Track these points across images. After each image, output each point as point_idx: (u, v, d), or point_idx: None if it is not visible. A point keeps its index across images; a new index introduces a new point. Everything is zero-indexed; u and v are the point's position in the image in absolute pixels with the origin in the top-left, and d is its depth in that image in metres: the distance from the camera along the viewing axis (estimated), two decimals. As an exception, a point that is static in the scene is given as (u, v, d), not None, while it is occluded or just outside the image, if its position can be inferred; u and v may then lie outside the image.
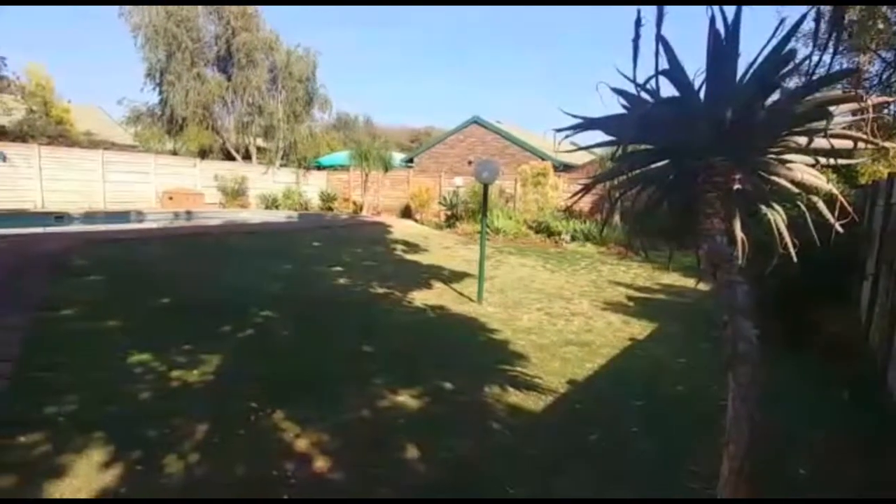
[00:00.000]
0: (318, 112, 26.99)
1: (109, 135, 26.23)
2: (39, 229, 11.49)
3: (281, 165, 24.30)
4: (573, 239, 14.65)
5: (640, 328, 6.11)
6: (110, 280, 6.59)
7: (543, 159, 18.90)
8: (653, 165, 1.97)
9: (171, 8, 20.93)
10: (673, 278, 9.34)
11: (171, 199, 18.81)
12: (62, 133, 21.97)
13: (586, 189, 2.09)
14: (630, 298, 7.80)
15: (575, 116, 1.88)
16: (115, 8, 21.00)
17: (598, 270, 10.38)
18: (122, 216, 16.19)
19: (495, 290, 7.87)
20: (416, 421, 3.45)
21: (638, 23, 1.69)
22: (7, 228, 10.18)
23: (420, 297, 7.12)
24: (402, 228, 15.32)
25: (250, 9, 22.96)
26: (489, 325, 5.92)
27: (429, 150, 24.06)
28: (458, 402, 3.78)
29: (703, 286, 7.14)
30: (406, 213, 19.74)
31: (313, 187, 23.70)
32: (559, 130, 1.91)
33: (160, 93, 22.85)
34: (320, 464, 2.87)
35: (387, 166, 20.29)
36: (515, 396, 3.89)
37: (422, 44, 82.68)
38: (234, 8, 22.33)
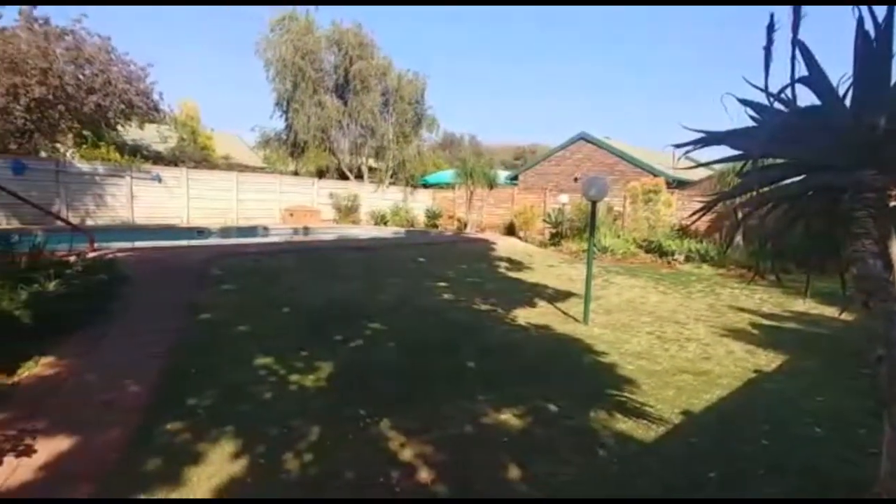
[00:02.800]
0: (425, 132, 27.98)
1: (243, 158, 29.32)
2: (185, 242, 13.02)
3: (390, 184, 25.47)
4: (688, 259, 13.71)
5: (768, 359, 5.54)
6: (241, 289, 7.28)
7: (655, 175, 17.98)
8: (786, 181, 1.80)
9: (297, 42, 22.96)
10: (807, 305, 8.37)
11: (291, 215, 20.46)
12: (205, 157, 24.91)
13: (708, 207, 1.96)
14: (755, 326, 7.10)
15: (697, 131, 1.78)
16: (252, 45, 23.48)
17: (717, 294, 9.59)
18: (251, 231, 17.89)
19: (602, 311, 7.57)
20: (518, 441, 3.40)
21: (770, 28, 1.57)
22: (163, 241, 11.71)
23: (523, 316, 7.04)
24: (505, 246, 15.30)
25: (366, 38, 24.52)
26: (595, 348, 5.70)
27: (534, 168, 23.94)
28: (562, 426, 3.66)
29: (847, 315, 6.36)
30: (510, 230, 19.70)
31: (419, 204, 24.53)
32: (679, 146, 1.81)
33: (286, 119, 25.07)
34: (423, 475, 2.93)
35: (491, 184, 20.47)
36: (624, 424, 3.69)
37: (528, 61, 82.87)
38: (353, 39, 23.97)
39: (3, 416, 3.24)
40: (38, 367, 4.02)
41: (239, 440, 3.17)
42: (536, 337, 6.10)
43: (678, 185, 18.40)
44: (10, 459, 2.76)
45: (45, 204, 13.68)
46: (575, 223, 17.10)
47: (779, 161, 1.86)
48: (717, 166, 13.43)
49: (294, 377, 4.27)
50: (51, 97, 16.30)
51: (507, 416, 3.74)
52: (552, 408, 3.95)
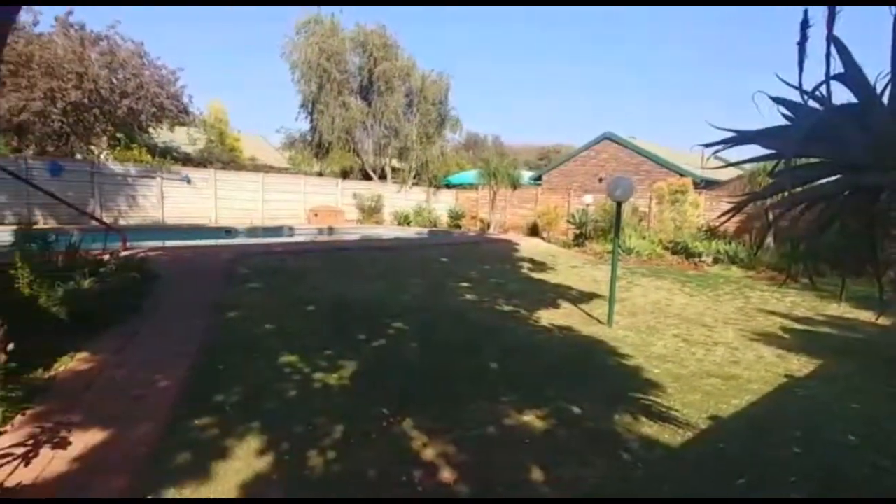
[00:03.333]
0: (449, 133, 28.01)
1: (269, 159, 29.81)
2: (213, 241, 13.29)
3: (413, 184, 25.59)
4: (716, 261, 13.43)
5: (800, 364, 5.39)
6: (266, 288, 7.39)
7: (682, 175, 17.66)
8: (821, 181, 1.75)
9: (323, 45, 23.22)
10: (842, 309, 8.12)
11: (316, 215, 20.71)
12: (233, 159, 25.41)
13: (739, 207, 1.92)
14: (786, 330, 6.92)
15: (727, 130, 1.75)
16: (279, 47, 23.83)
17: (746, 297, 9.37)
18: (277, 231, 18.16)
19: (627, 313, 7.47)
20: (541, 443, 3.37)
21: (805, 24, 1.53)
22: (192, 240, 11.99)
23: (547, 317, 6.99)
24: (529, 246, 15.22)
25: (390, 40, 24.66)
26: (620, 350, 5.62)
27: (558, 168, 23.73)
28: (585, 428, 3.62)
29: (884, 320, 6.17)
30: (533, 231, 19.59)
31: (442, 205, 24.58)
32: (708, 145, 1.78)
33: (311, 121, 25.41)
34: (446, 475, 2.93)
35: (515, 184, 20.38)
36: (649, 428, 3.63)
37: (551, 60, 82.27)
38: (377, 40, 24.14)
39: (40, 408, 3.35)
40: (73, 362, 4.15)
41: (264, 437, 3.22)
42: (560, 338, 6.05)
43: (706, 185, 18.05)
44: (46, 451, 2.86)
45: (80, 204, 14.13)
46: (599, 224, 16.91)
47: (812, 160, 1.80)
48: (747, 166, 13.15)
49: (318, 375, 4.32)
50: (86, 101, 16.86)
51: (530, 418, 3.71)
52: (575, 410, 3.91)
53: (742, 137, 1.72)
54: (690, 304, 8.54)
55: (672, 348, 5.80)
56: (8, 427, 3.07)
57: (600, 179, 20.96)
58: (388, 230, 20.43)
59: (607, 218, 16.27)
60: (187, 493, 2.64)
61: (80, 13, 16.99)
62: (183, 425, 3.31)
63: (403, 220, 22.75)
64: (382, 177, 26.69)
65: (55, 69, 15.98)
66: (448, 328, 6.12)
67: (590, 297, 8.65)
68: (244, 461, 2.94)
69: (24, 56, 15.38)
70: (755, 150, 1.81)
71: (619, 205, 6.97)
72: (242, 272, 8.00)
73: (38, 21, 16.44)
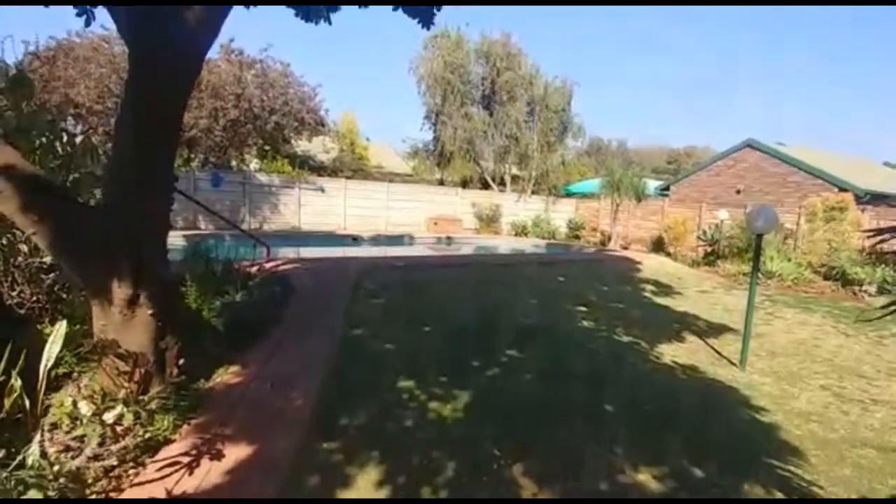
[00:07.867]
0: (570, 140, 27.45)
1: (394, 167, 31.44)
2: (342, 249, 14.35)
3: (532, 193, 25.41)
4: (881, 291, 11.63)
5: None
6: (388, 304, 7.82)
7: (842, 189, 15.58)
8: None
9: (448, 58, 23.98)
10: None
11: (435, 224, 21.41)
12: (361, 167, 27.20)
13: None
14: (973, 390, 5.83)
15: None
16: (407, 63, 25.06)
17: (920, 340, 8.03)
18: (398, 239, 19.09)
19: (764, 353, 6.78)
20: (658, 509, 3.22)
21: None
22: (323, 247, 13.09)
23: (669, 352, 6.58)
24: (652, 265, 14.39)
25: (514, 49, 24.75)
26: (753, 401, 5.14)
27: (688, 178, 22.18)
28: (709, 497, 3.38)
29: None
30: (658, 245, 18.46)
31: (561, 215, 24.12)
32: None
33: (434, 131, 26.36)
34: (555, 533, 2.92)
35: (639, 196, 19.38)
36: (785, 505, 3.30)
37: (681, 55, 76.77)
38: (500, 50, 24.38)
39: (201, 419, 3.89)
40: (227, 375, 4.74)
41: (383, 467, 3.43)
42: (683, 381, 5.67)
43: (871, 199, 15.73)
44: (205, 461, 3.32)
45: (233, 210, 16.14)
46: (735, 241, 15.46)
47: None
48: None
49: (433, 405, 4.49)
50: (242, 118, 19.06)
51: (646, 477, 3.55)
52: (697, 472, 3.66)
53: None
54: (845, 346, 7.52)
55: (819, 404, 5.16)
56: (177, 436, 3.62)
57: (738, 191, 19.23)
58: (505, 241, 20.52)
59: (745, 236, 14.83)
60: (316, 517, 2.91)
61: (240, 40, 19.29)
62: (312, 447, 3.64)
63: (521, 231, 22.67)
64: (502, 184, 26.87)
65: (219, 91, 18.26)
66: (563, 359, 6.01)
67: (719, 329, 7.98)
68: (364, 492, 3.16)
69: (197, 80, 17.78)
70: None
71: (759, 237, 6.36)
72: (368, 287, 8.54)
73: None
